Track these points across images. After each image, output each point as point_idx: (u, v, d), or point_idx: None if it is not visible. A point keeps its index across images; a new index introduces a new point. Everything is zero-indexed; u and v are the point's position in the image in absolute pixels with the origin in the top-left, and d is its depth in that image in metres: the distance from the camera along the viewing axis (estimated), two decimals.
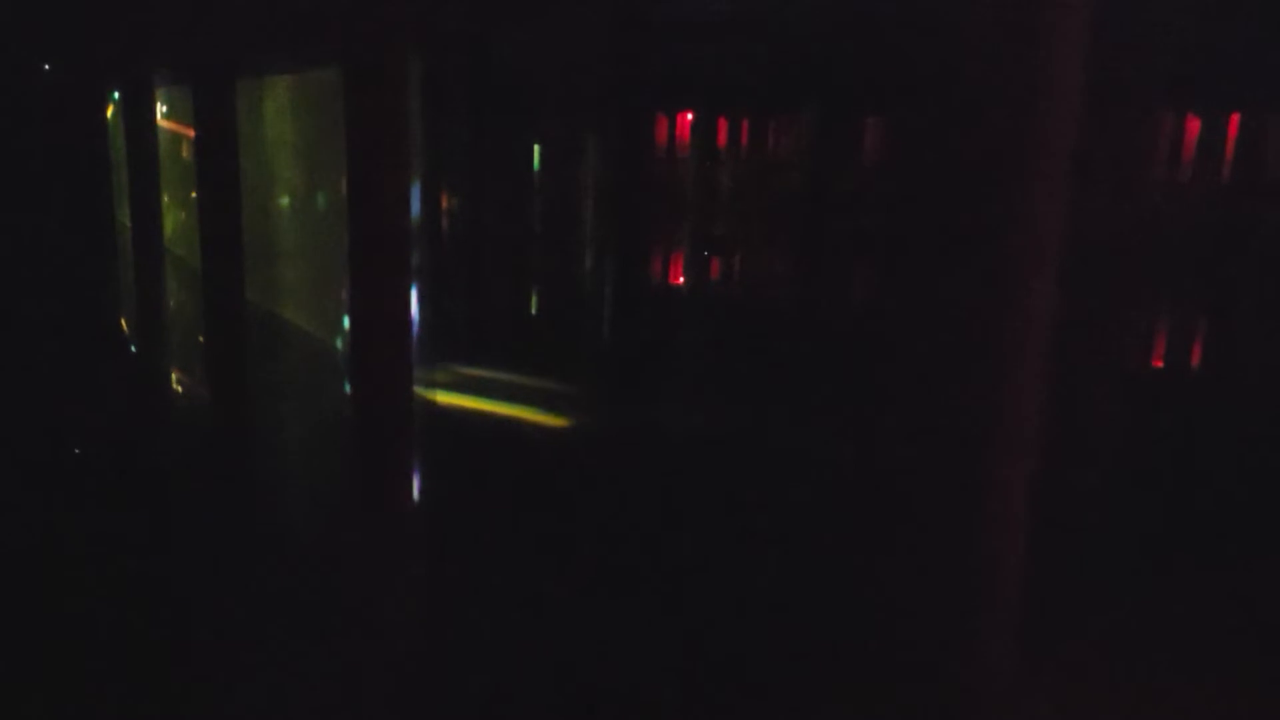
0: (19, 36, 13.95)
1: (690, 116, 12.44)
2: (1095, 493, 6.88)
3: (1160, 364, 12.49)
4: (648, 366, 11.04)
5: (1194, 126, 10.28)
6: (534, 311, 12.67)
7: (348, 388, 8.85)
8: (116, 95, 17.67)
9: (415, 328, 8.59)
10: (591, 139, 11.64)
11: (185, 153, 16.45)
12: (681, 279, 12.42)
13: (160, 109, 16.96)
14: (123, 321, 14.47)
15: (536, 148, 12.54)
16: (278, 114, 14.05)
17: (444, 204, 12.64)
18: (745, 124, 12.27)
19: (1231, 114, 9.93)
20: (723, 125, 12.39)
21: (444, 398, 10.64)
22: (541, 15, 11.30)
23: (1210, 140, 10.01)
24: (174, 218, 17.63)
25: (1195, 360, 11.27)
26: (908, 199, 4.62)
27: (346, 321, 9.34)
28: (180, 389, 11.63)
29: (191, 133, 12.04)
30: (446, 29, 10.49)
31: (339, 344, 12.10)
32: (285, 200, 14.09)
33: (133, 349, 13.01)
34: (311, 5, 9.33)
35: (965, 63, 3.69)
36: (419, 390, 7.81)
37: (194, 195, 12.59)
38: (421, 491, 7.73)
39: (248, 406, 10.46)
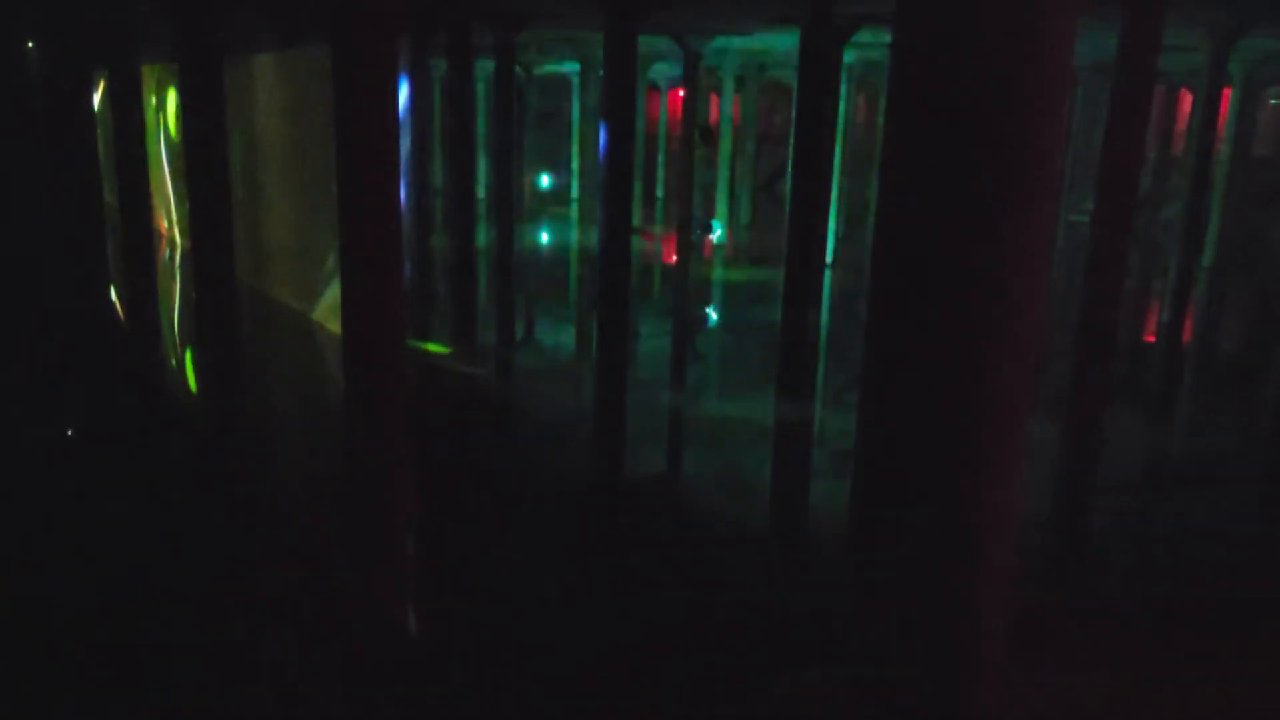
0: (4, 16, 13.78)
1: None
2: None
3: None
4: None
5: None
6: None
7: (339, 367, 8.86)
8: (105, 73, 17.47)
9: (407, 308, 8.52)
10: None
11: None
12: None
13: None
14: (114, 297, 14.39)
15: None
16: (267, 93, 13.93)
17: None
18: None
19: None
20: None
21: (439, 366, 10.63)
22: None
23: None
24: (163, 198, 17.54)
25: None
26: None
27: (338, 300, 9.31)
28: (171, 366, 11.58)
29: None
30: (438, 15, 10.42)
31: (333, 325, 12.06)
32: (277, 181, 13.99)
33: (125, 328, 12.95)
34: None
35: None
36: (412, 364, 7.81)
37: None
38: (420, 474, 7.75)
39: (238, 384, 10.43)
